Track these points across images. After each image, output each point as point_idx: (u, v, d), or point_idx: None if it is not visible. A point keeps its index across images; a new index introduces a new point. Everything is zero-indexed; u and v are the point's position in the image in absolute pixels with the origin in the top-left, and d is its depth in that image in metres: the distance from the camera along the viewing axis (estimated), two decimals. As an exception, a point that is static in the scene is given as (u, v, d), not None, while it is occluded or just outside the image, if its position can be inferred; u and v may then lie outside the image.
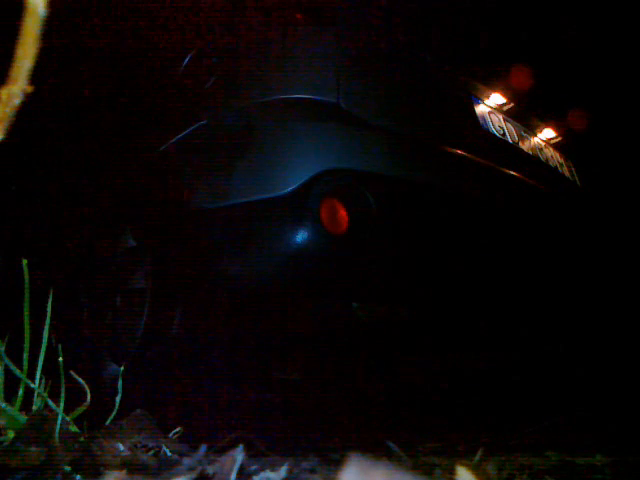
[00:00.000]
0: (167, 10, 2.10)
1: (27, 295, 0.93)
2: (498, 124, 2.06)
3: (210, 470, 0.65)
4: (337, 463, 0.83)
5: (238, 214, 1.55)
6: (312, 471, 0.77)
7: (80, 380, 0.96)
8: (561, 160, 2.39)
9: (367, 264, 1.55)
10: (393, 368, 2.04)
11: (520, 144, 2.13)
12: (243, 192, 1.54)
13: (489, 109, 2.07)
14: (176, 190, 1.80)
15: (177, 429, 0.96)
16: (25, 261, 0.92)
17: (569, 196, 2.34)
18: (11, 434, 0.83)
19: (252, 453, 0.89)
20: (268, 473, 0.73)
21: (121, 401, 1.01)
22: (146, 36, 2.21)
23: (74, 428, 0.89)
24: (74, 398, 0.93)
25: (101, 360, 1.91)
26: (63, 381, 0.92)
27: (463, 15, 2.11)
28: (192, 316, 1.64)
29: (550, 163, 2.28)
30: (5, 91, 0.49)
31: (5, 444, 0.76)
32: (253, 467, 0.78)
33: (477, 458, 0.91)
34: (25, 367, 0.91)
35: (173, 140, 1.93)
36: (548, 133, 2.38)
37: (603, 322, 2.25)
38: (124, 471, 0.67)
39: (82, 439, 0.80)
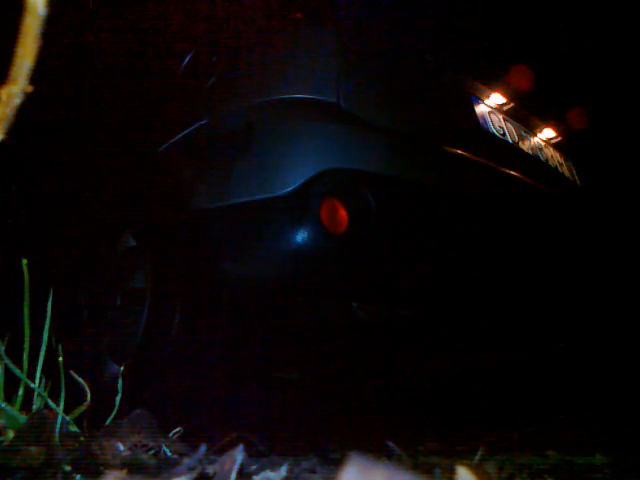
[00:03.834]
0: (167, 10, 2.10)
1: (27, 295, 0.93)
2: (498, 124, 2.06)
3: (210, 470, 0.65)
4: (337, 463, 0.83)
5: (238, 214, 1.55)
6: (312, 471, 0.77)
7: (80, 380, 0.96)
8: (561, 160, 2.39)
9: (367, 264, 1.55)
10: (393, 368, 2.04)
11: (520, 144, 2.13)
12: (243, 192, 1.54)
13: (489, 109, 2.07)
14: (176, 190, 1.80)
15: (177, 429, 0.96)
16: (25, 261, 0.92)
17: (569, 196, 2.34)
18: (11, 434, 0.83)
19: (252, 453, 0.89)
20: (268, 473, 0.73)
21: (121, 401, 1.01)
22: (146, 36, 2.21)
23: (74, 428, 0.89)
24: (74, 398, 0.93)
25: (101, 360, 1.91)
26: (63, 381, 0.92)
27: (463, 15, 2.11)
28: (192, 316, 1.63)
29: (550, 163, 2.28)
30: (5, 91, 0.49)
31: (5, 444, 0.76)
32: (253, 467, 0.78)
33: (477, 458, 0.91)
34: (25, 367, 0.91)
35: (173, 140, 1.93)
36: (548, 133, 2.38)
37: (603, 322, 2.25)
38: (124, 471, 0.67)
39: (82, 439, 0.80)
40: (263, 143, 1.58)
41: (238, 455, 0.64)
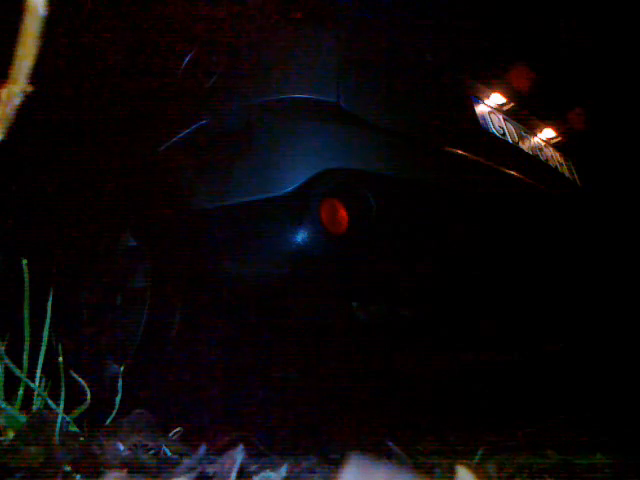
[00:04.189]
0: (167, 10, 2.10)
1: (27, 295, 0.93)
2: (498, 124, 2.06)
3: (210, 470, 0.65)
4: (337, 463, 0.83)
5: (238, 214, 1.55)
6: (312, 471, 0.77)
7: (80, 380, 0.96)
8: (561, 160, 2.39)
9: (367, 264, 1.55)
10: (393, 368, 2.04)
11: (520, 144, 2.13)
12: (243, 192, 1.54)
13: (489, 109, 2.07)
14: (176, 190, 1.80)
15: (177, 429, 0.96)
16: (25, 261, 0.92)
17: (569, 196, 2.34)
18: (11, 434, 0.83)
19: (252, 453, 0.89)
20: (268, 473, 0.73)
21: (121, 401, 1.01)
22: (146, 35, 2.21)
23: (74, 428, 0.89)
24: (74, 398, 0.93)
25: (101, 360, 1.91)
26: (63, 381, 0.92)
27: (463, 15, 2.11)
28: (192, 316, 1.63)
29: (550, 163, 2.28)
30: (5, 91, 0.49)
31: (5, 444, 0.76)
32: (253, 467, 0.78)
33: (477, 458, 0.91)
34: (25, 367, 0.91)
35: (173, 140, 1.93)
36: (548, 133, 2.38)
37: (603, 322, 2.25)
38: (124, 471, 0.67)
39: (82, 439, 0.80)
40: (263, 143, 1.58)
41: (238, 455, 0.64)
